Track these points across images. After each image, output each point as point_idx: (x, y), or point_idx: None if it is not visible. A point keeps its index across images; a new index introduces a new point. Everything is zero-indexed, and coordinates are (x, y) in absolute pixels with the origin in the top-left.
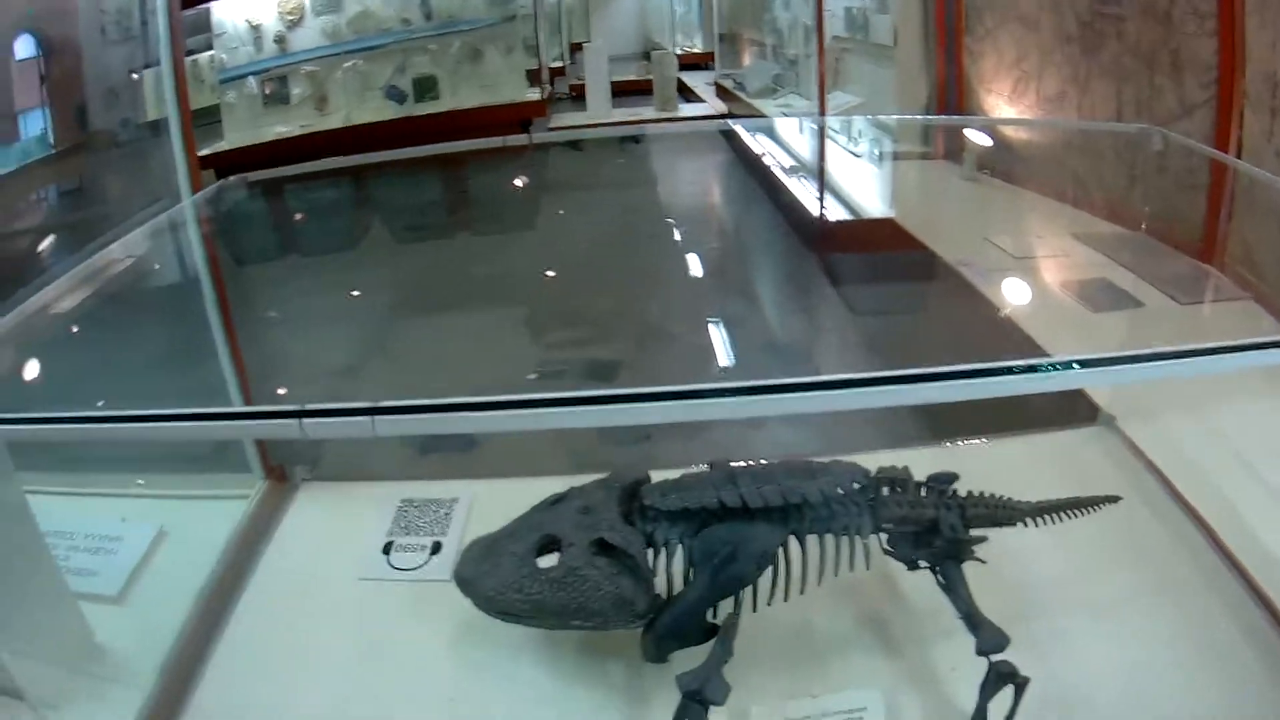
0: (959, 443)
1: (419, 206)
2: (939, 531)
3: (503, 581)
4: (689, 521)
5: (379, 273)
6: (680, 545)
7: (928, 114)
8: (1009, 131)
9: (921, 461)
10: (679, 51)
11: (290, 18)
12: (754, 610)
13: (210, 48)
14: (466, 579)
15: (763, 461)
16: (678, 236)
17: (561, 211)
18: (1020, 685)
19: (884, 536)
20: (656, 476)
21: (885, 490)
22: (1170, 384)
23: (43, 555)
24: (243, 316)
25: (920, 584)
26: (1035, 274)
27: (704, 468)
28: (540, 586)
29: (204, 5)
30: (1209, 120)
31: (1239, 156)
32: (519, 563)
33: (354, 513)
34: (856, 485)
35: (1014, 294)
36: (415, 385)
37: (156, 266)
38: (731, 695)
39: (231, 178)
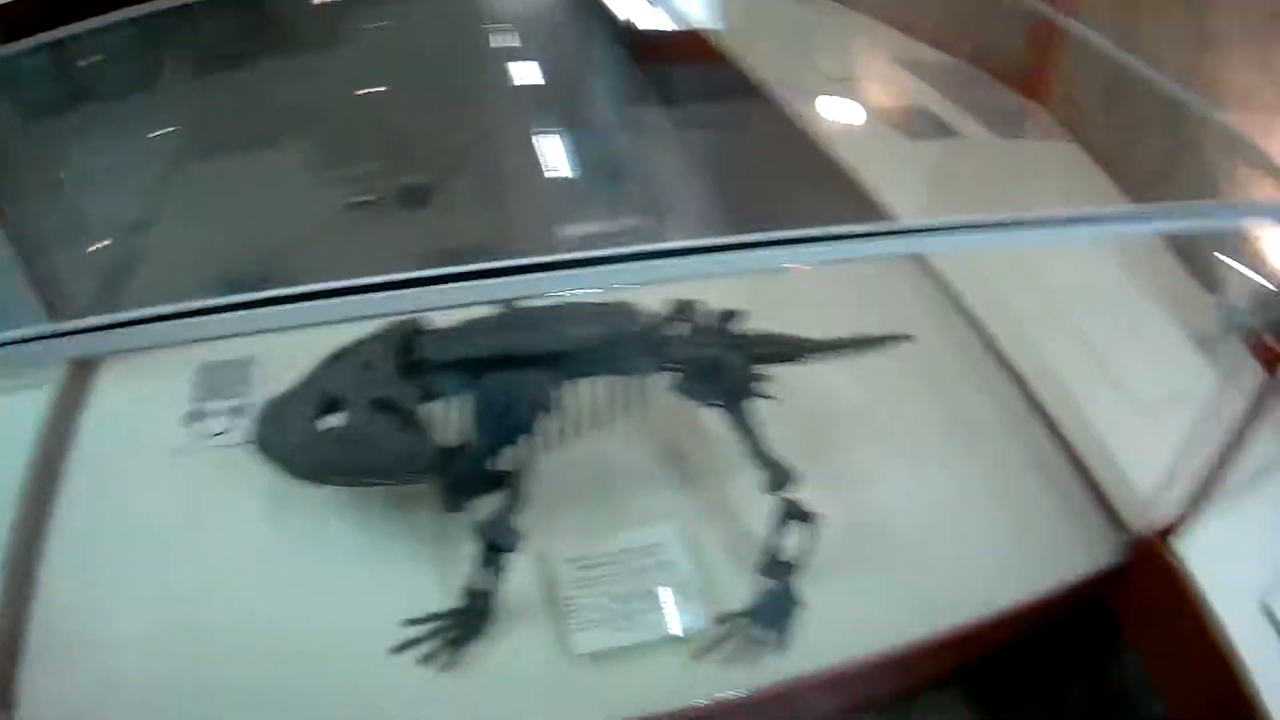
0: (773, 277)
1: (215, 43)
2: (724, 370)
3: (292, 443)
4: (467, 371)
5: (176, 115)
6: (460, 395)
7: None
8: None
9: (726, 293)
10: None
11: None
12: (540, 454)
13: None
14: (262, 441)
15: (542, 303)
16: (494, 48)
17: (370, 28)
18: (808, 520)
19: (673, 376)
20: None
21: (666, 331)
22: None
23: None
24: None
25: (719, 419)
26: (852, 97)
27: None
28: (328, 448)
29: None
30: None
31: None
32: (305, 426)
33: (157, 383)
34: (636, 327)
35: (826, 118)
36: (216, 239)
37: None
38: (536, 536)
39: None
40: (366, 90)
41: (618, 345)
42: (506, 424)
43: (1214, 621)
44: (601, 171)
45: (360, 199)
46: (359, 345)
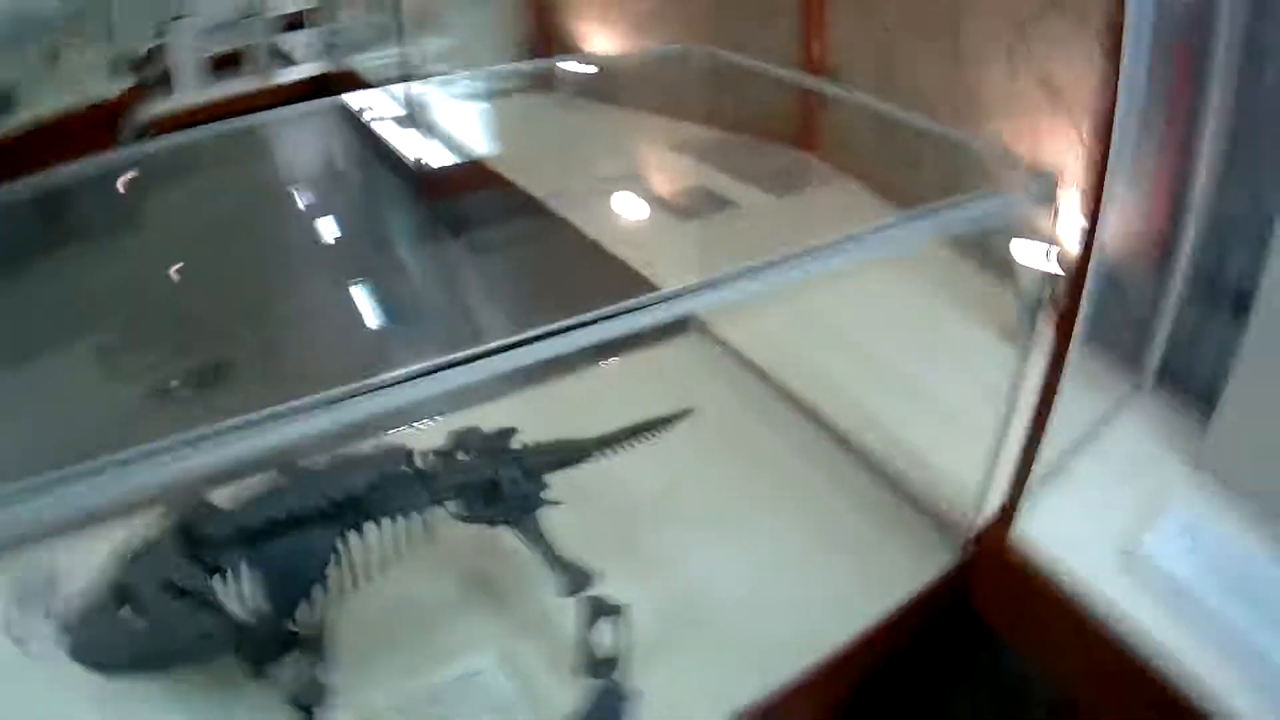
0: (559, 380)
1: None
2: (499, 488)
3: (103, 644)
4: (247, 541)
5: None
6: (245, 566)
7: (524, 51)
8: (604, 58)
9: (517, 410)
10: (282, 13)
11: None
12: (338, 606)
13: None
14: (77, 649)
15: (306, 463)
16: (290, 218)
17: (170, 213)
18: (614, 614)
19: (453, 505)
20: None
21: (435, 462)
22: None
23: None
24: None
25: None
26: (627, 192)
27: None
28: (135, 639)
29: None
30: (796, 22)
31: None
32: (108, 623)
33: None
34: (403, 466)
35: (604, 217)
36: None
37: None
38: (354, 687)
39: None
40: (161, 270)
41: (389, 487)
42: (292, 584)
43: (1076, 588)
44: (398, 314)
45: (156, 387)
46: (145, 535)
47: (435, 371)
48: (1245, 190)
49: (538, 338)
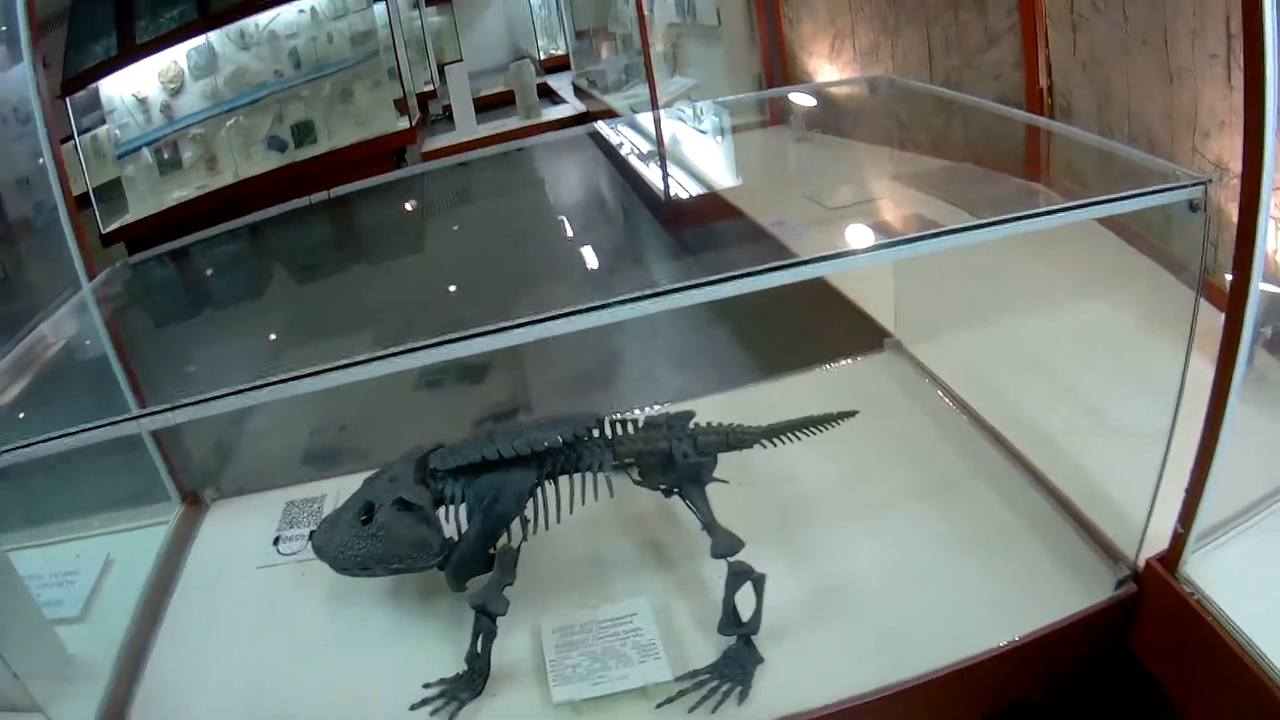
0: (761, 385)
1: (312, 250)
2: (672, 460)
3: (339, 544)
4: (466, 476)
5: (284, 316)
6: (461, 496)
7: (759, 86)
8: (832, 90)
9: (722, 406)
10: (542, 56)
11: (171, 85)
12: (525, 539)
13: (104, 123)
14: (318, 547)
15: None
16: (549, 241)
17: (446, 231)
18: (757, 581)
19: (635, 470)
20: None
21: (620, 430)
22: (953, 305)
23: (21, 595)
24: (158, 379)
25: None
26: (846, 222)
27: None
28: (364, 543)
29: (92, 85)
30: (1015, 46)
31: (1049, 74)
32: (348, 528)
33: (252, 519)
34: (594, 430)
35: (820, 247)
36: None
37: (60, 353)
38: (525, 610)
39: (118, 263)
40: (428, 278)
41: (580, 446)
42: (494, 514)
43: (1250, 643)
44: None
45: (425, 380)
46: (387, 466)
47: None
48: None
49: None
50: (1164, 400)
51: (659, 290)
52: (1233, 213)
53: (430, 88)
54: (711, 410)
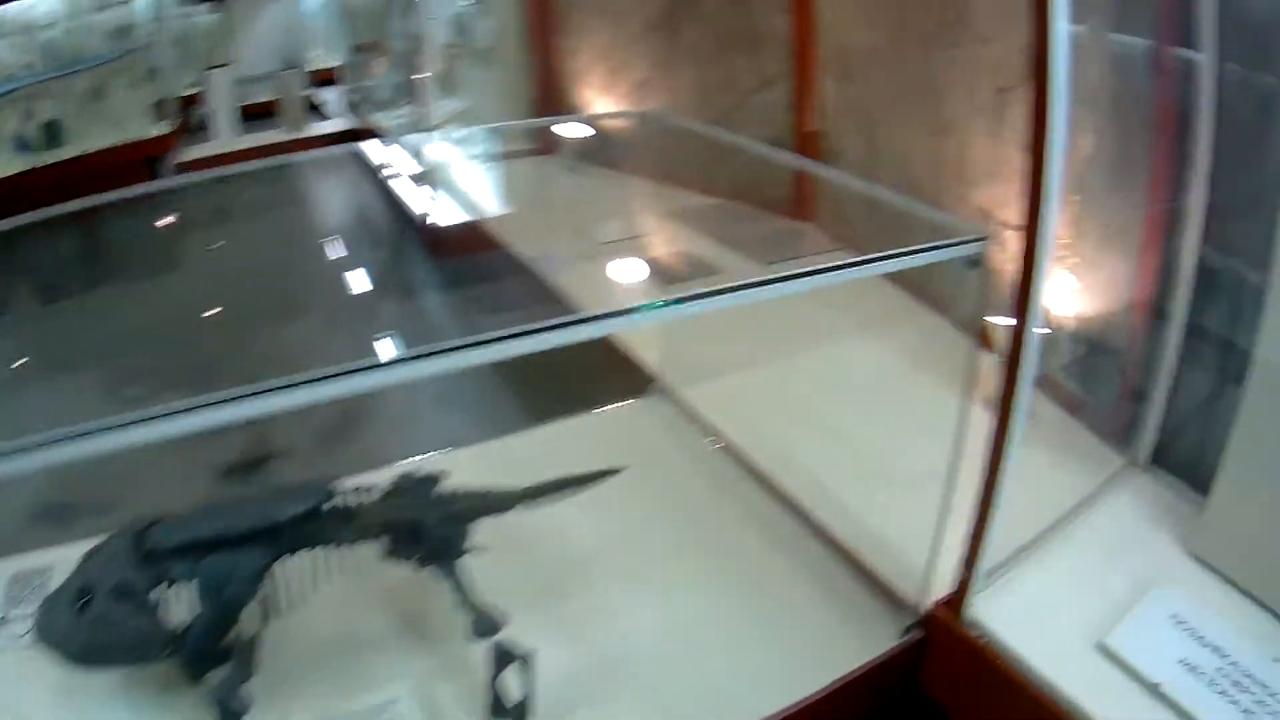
0: (520, 434)
1: (58, 267)
2: (424, 530)
3: (59, 634)
4: (192, 554)
5: (23, 343)
6: (187, 577)
7: (532, 113)
8: (604, 123)
9: (489, 458)
10: (316, 67)
11: None
12: (266, 624)
13: None
14: (40, 634)
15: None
16: (307, 268)
17: (199, 252)
18: (524, 660)
19: (380, 543)
20: None
21: (362, 500)
22: (721, 347)
23: None
24: None
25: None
26: (611, 258)
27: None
28: (82, 634)
29: None
30: (788, 90)
31: (820, 120)
32: (64, 616)
33: None
34: (330, 502)
35: (582, 283)
36: None
37: None
38: (275, 703)
39: None
40: (172, 300)
41: (318, 519)
42: (225, 599)
43: (1035, 677)
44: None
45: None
46: (107, 541)
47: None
48: (1238, 254)
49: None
50: (940, 444)
51: (429, 351)
52: (999, 261)
53: (196, 91)
54: (468, 464)
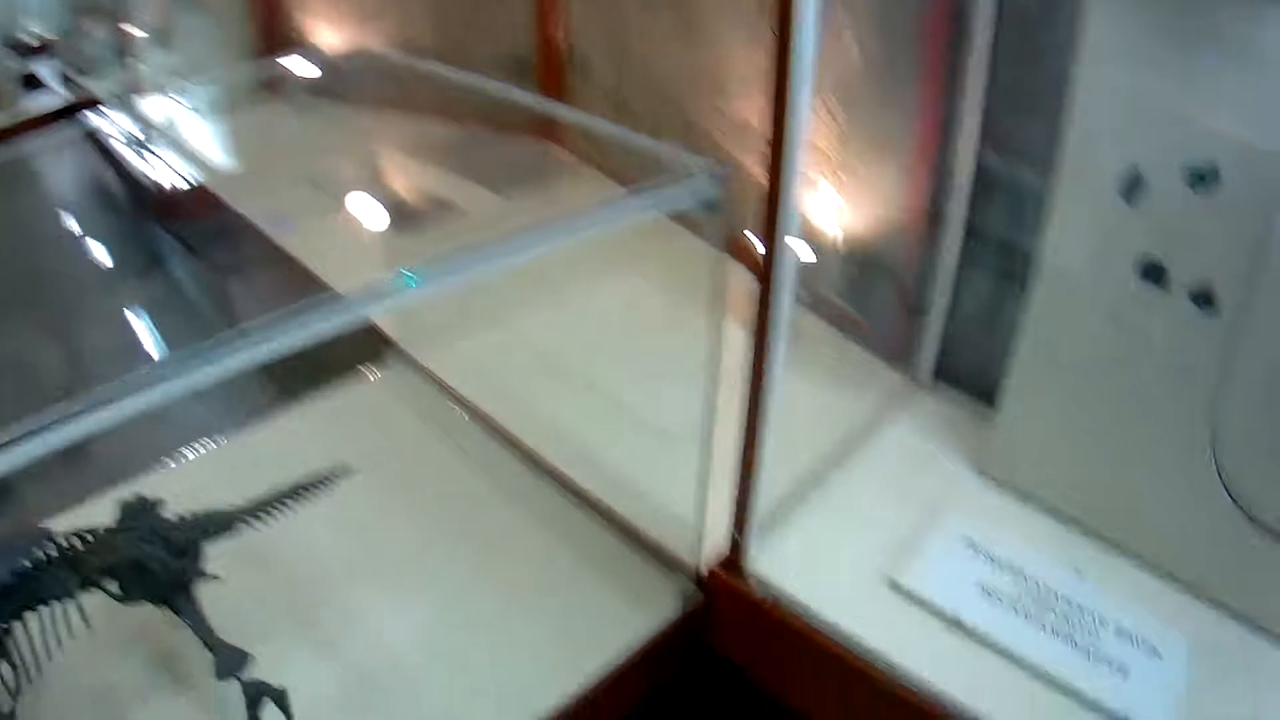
0: (255, 428)
1: None
2: (147, 567)
3: None
4: None
5: None
6: None
7: (251, 51)
8: (328, 56)
9: (215, 465)
10: (28, 39)
11: None
12: (14, 699)
13: None
14: None
15: None
16: (26, 262)
17: None
18: (278, 697)
19: (111, 586)
20: None
21: (81, 543)
22: (459, 298)
23: None
24: None
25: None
26: (342, 207)
27: None
28: None
29: None
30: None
31: (567, 33)
32: None
33: None
34: (46, 552)
35: (313, 238)
36: None
37: None
38: None
39: None
40: None
41: (38, 575)
42: None
43: (828, 621)
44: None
45: None
46: None
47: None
48: (1019, 155)
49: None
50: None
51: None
52: (760, 175)
53: None
54: (191, 476)
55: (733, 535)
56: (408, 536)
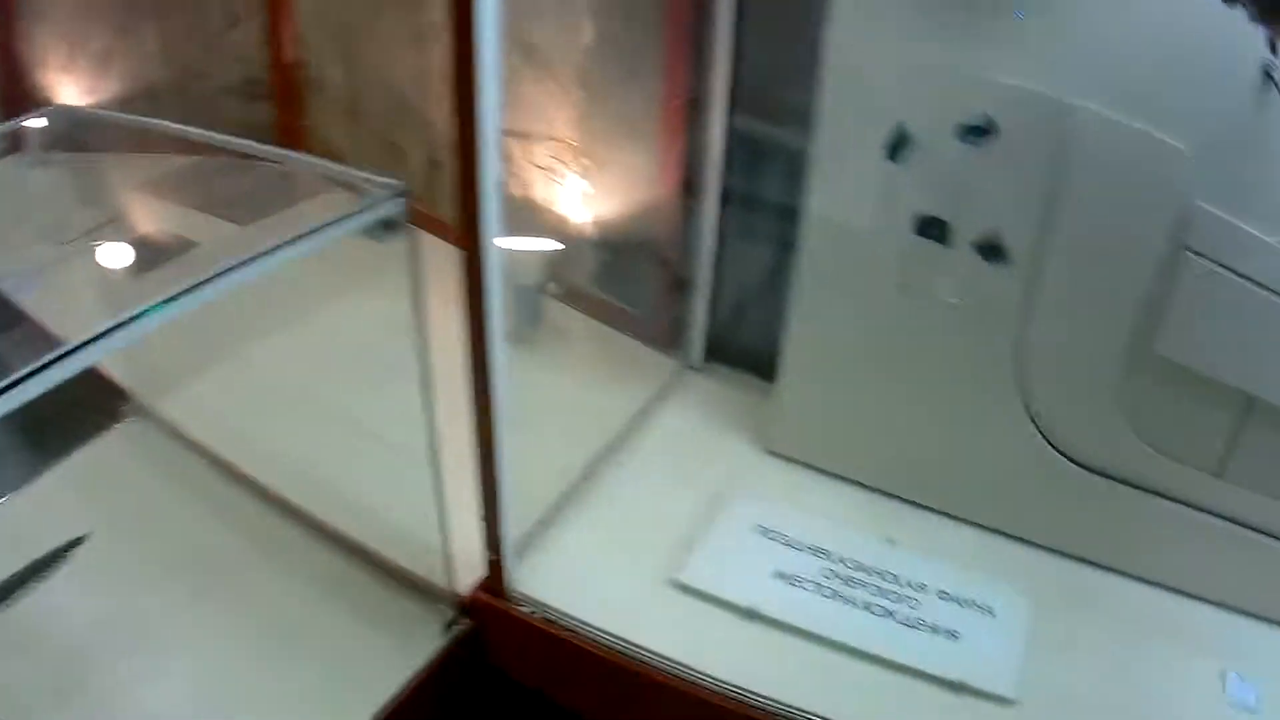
0: None
1: None
2: None
3: None
4: None
5: None
6: None
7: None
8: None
9: None
10: None
11: None
12: None
13: None
14: None
15: None
16: None
17: None
18: None
19: None
20: None
21: None
22: (186, 336)
23: None
24: None
25: None
26: (81, 257)
27: None
28: None
29: None
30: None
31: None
32: None
33: None
34: None
35: (55, 295)
36: None
37: None
38: None
39: None
40: None
41: None
42: None
43: (611, 640)
44: None
45: None
46: None
47: None
48: (775, 122)
49: None
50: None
51: None
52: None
53: None
54: None
55: (488, 555)
56: (161, 597)
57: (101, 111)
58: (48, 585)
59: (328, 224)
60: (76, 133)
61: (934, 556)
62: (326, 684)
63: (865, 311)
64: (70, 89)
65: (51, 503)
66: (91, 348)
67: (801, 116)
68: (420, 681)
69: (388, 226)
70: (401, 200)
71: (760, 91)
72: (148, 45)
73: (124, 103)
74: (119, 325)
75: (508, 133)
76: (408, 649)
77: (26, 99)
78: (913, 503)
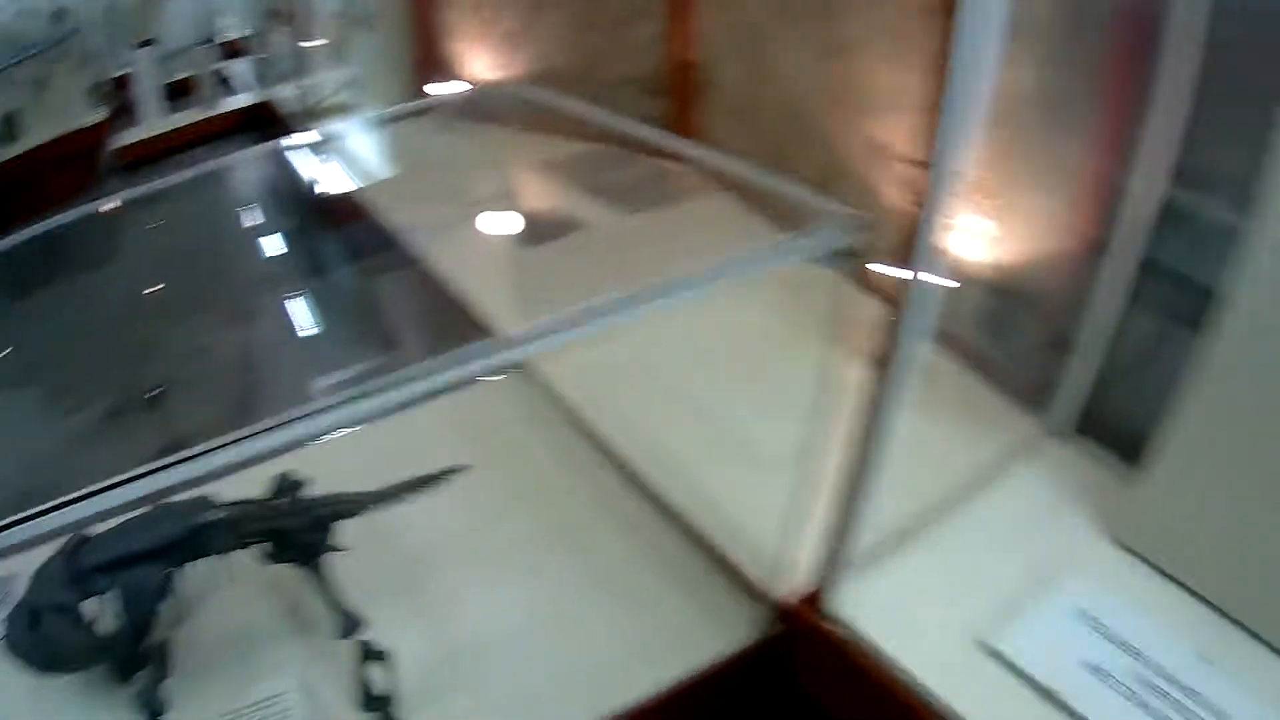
0: (384, 422)
1: None
2: (288, 536)
3: (23, 650)
4: (109, 572)
5: None
6: (108, 590)
7: (413, 75)
8: (480, 81)
9: (346, 452)
10: (229, 38)
11: None
12: (178, 629)
13: None
14: (9, 651)
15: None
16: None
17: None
18: (380, 658)
19: (259, 548)
20: None
21: (238, 511)
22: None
23: None
24: None
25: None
26: (480, 221)
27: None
28: (39, 649)
29: None
30: (662, 20)
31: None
32: (24, 633)
33: None
34: (210, 515)
35: (453, 251)
36: None
37: None
38: (192, 696)
39: None
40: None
41: (205, 532)
42: (137, 609)
43: (911, 676)
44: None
45: (108, 412)
46: (50, 560)
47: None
48: (1208, 191)
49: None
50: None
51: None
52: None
53: (126, 72)
54: (331, 460)
55: (824, 566)
56: (511, 531)
57: (533, 88)
58: (421, 499)
59: (782, 247)
60: (483, 104)
61: (1246, 687)
62: (637, 640)
63: (1268, 413)
64: (480, 63)
65: (431, 431)
66: (529, 345)
67: (1236, 188)
68: (721, 665)
69: (841, 256)
70: (858, 229)
71: (1192, 154)
72: (552, 31)
73: (529, 81)
74: (557, 330)
75: (915, 161)
76: (719, 633)
77: (440, 64)
78: (1245, 628)
